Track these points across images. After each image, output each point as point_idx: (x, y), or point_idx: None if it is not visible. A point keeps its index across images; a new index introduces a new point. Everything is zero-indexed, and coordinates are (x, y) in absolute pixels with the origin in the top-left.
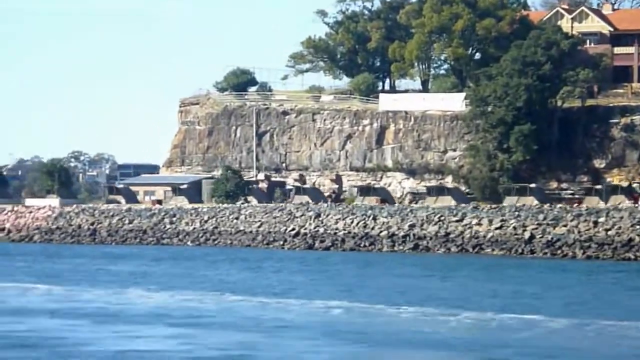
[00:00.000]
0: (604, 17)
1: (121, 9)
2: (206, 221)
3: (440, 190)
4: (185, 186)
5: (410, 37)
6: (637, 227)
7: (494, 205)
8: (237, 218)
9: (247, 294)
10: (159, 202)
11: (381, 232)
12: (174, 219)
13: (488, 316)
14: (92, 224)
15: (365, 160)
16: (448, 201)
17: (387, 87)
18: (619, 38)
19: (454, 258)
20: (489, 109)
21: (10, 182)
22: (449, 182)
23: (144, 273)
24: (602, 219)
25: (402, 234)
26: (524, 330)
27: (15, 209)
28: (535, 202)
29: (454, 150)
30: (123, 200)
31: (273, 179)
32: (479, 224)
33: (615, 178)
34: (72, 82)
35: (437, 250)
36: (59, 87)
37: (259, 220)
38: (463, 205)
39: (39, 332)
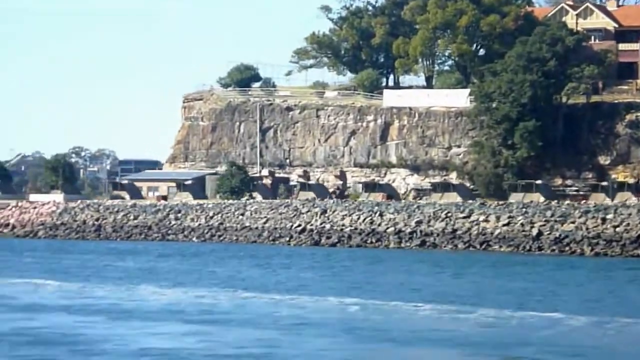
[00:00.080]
0: (608, 14)
1: (123, 8)
2: (212, 217)
3: (445, 187)
4: (189, 182)
5: (415, 33)
6: None
7: (501, 202)
8: (242, 214)
9: (259, 291)
10: (164, 197)
11: (388, 228)
12: (179, 214)
13: (506, 314)
14: (97, 219)
15: (370, 157)
16: (454, 198)
17: (391, 83)
18: (623, 34)
19: (462, 255)
20: (494, 105)
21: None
22: (453, 178)
23: (152, 269)
24: (610, 216)
25: (409, 230)
26: (545, 328)
27: (20, 204)
28: (542, 198)
29: (459, 146)
30: (127, 196)
31: (277, 175)
32: (486, 220)
33: (620, 175)
34: (74, 80)
35: (445, 247)
36: (61, 85)
37: (265, 217)
38: (470, 201)
39: (54, 328)
